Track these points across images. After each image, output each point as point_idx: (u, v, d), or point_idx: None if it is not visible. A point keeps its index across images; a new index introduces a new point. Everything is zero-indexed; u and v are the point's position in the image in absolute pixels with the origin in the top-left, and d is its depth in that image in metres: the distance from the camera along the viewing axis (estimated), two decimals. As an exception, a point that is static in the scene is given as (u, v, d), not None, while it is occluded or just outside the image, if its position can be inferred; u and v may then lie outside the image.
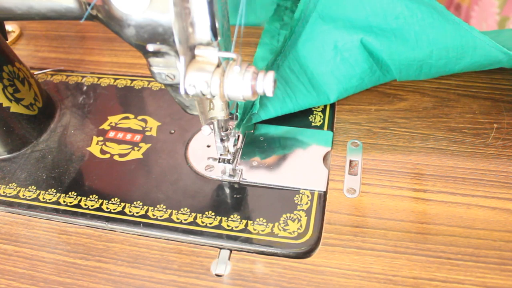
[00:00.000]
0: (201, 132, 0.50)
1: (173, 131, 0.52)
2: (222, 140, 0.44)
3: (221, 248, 0.41)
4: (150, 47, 0.32)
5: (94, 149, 0.51)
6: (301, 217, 0.42)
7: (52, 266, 0.42)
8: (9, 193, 0.47)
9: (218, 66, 0.32)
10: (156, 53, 0.33)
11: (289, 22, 0.61)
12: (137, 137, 0.52)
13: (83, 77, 0.61)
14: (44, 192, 0.47)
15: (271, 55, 0.56)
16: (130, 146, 0.51)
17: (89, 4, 0.34)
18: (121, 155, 0.50)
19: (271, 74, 0.32)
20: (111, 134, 0.52)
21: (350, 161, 0.47)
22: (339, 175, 0.46)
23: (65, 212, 0.45)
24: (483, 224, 0.41)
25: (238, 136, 0.49)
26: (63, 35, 0.70)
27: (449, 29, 0.46)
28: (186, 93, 0.33)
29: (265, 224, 0.42)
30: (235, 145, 0.44)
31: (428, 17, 0.45)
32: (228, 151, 0.45)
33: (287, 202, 0.44)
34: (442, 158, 0.47)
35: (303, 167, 0.46)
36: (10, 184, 0.48)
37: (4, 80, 0.48)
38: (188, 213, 0.44)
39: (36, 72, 0.61)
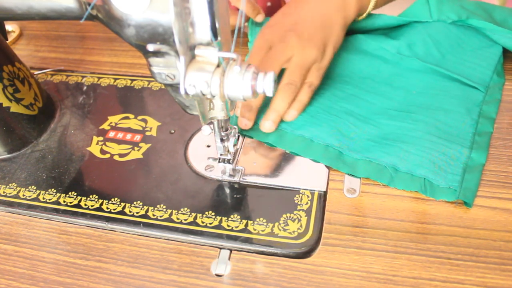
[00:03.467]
0: (201, 132, 0.50)
1: (173, 131, 0.52)
2: (222, 140, 0.44)
3: (221, 248, 0.41)
4: (150, 47, 0.32)
5: (94, 149, 0.51)
6: (301, 217, 0.42)
7: (52, 266, 0.42)
8: (9, 193, 0.47)
9: (218, 66, 0.32)
10: (156, 53, 0.33)
11: None
12: (137, 137, 0.52)
13: (83, 77, 0.61)
14: (44, 192, 0.47)
15: None
16: (130, 146, 0.51)
17: (89, 4, 0.34)
18: (121, 155, 0.50)
19: (271, 74, 0.32)
20: (111, 134, 0.52)
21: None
22: (339, 175, 0.46)
23: (65, 212, 0.45)
24: (483, 224, 0.41)
25: (238, 136, 0.49)
26: (63, 35, 0.70)
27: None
28: (186, 93, 0.33)
29: (265, 224, 0.42)
30: (235, 145, 0.44)
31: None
32: (228, 151, 0.45)
33: (287, 202, 0.44)
34: (442, 158, 0.47)
35: (303, 167, 0.46)
36: (10, 184, 0.48)
37: (4, 80, 0.48)
38: (188, 213, 0.44)
39: (36, 72, 0.61)
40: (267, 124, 0.47)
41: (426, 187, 0.42)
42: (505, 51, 0.55)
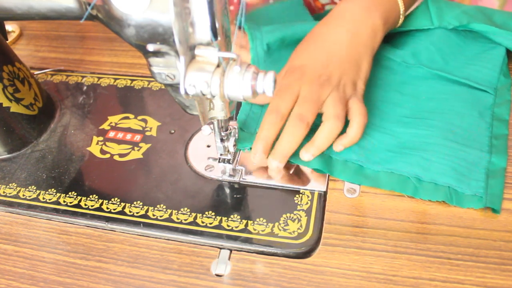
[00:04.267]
0: (201, 132, 0.50)
1: (173, 131, 0.52)
2: (222, 140, 0.44)
3: (221, 248, 0.41)
4: (150, 47, 0.32)
5: (94, 149, 0.51)
6: (301, 217, 0.42)
7: (52, 266, 0.42)
8: (9, 193, 0.47)
9: (218, 66, 0.32)
10: (156, 53, 0.33)
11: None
12: (137, 137, 0.52)
13: (83, 77, 0.61)
14: (44, 192, 0.47)
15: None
16: (130, 146, 0.51)
17: (89, 4, 0.34)
18: (121, 155, 0.50)
19: (271, 74, 0.32)
20: (111, 134, 0.52)
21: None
22: (339, 175, 0.46)
23: (65, 212, 0.45)
24: (483, 224, 0.41)
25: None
26: (63, 35, 0.70)
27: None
28: (186, 93, 0.33)
29: (265, 224, 0.42)
30: (235, 145, 0.44)
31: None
32: (228, 151, 0.45)
33: (287, 202, 0.44)
34: (442, 158, 0.46)
35: (303, 167, 0.46)
36: (10, 184, 0.48)
37: (4, 80, 0.48)
38: (188, 213, 0.44)
39: (36, 72, 0.61)
40: (307, 157, 0.44)
41: (451, 196, 0.42)
42: (509, 52, 0.55)
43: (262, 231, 0.42)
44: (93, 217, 0.44)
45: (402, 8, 0.51)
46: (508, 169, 0.44)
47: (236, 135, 0.44)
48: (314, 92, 0.44)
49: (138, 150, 0.50)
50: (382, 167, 0.44)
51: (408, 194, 0.43)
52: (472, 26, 0.54)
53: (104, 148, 0.51)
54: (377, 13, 0.48)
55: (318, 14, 0.67)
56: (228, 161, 0.46)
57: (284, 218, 0.42)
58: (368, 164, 0.45)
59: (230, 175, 0.46)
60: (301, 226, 0.42)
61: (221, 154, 0.46)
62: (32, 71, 0.56)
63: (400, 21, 0.52)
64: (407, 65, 0.54)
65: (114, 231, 0.44)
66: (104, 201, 0.46)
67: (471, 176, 0.43)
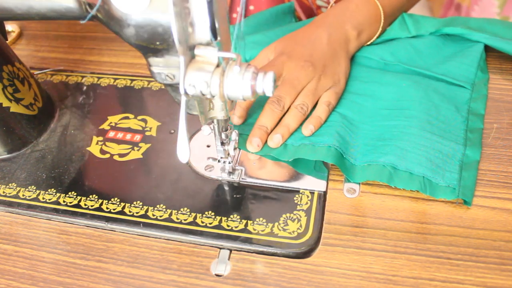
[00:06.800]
0: (201, 132, 0.50)
1: (173, 131, 0.52)
2: (222, 144, 0.43)
3: (221, 248, 0.41)
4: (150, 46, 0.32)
5: (94, 149, 0.51)
6: (301, 217, 0.42)
7: (52, 266, 0.42)
8: (9, 193, 0.47)
9: (217, 66, 0.32)
10: (156, 53, 0.33)
11: None
12: (137, 137, 0.52)
13: (83, 77, 0.61)
14: (44, 192, 0.47)
15: None
16: (130, 146, 0.51)
17: (89, 4, 0.34)
18: (121, 155, 0.50)
19: (271, 74, 0.32)
20: (111, 134, 0.52)
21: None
22: (339, 175, 0.46)
23: (65, 212, 0.45)
24: (483, 224, 0.41)
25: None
26: (63, 35, 0.70)
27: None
28: (186, 93, 0.33)
29: (265, 224, 0.42)
30: (235, 148, 0.44)
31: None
32: (229, 154, 0.45)
33: (287, 202, 0.44)
34: (442, 158, 0.47)
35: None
36: (10, 184, 0.48)
37: (4, 80, 0.48)
38: (188, 213, 0.44)
39: (36, 72, 0.61)
40: (276, 138, 0.46)
41: (425, 186, 0.42)
42: (488, 48, 0.56)
43: (262, 231, 0.42)
44: (93, 217, 0.44)
45: (380, 30, 0.56)
46: (508, 169, 0.44)
47: (237, 137, 0.44)
48: (295, 77, 0.48)
49: (138, 150, 0.50)
50: (359, 161, 0.45)
51: (383, 181, 0.43)
52: (447, 30, 0.56)
53: (104, 148, 0.51)
54: (349, 24, 0.54)
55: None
56: (228, 161, 0.46)
57: (284, 218, 0.42)
58: (347, 156, 0.45)
59: (230, 175, 0.46)
60: (301, 226, 0.42)
61: (221, 157, 0.46)
62: (32, 71, 0.56)
63: (375, 37, 0.56)
64: (386, 62, 0.55)
65: (114, 231, 0.44)
66: (104, 201, 0.46)
67: (445, 168, 0.43)
